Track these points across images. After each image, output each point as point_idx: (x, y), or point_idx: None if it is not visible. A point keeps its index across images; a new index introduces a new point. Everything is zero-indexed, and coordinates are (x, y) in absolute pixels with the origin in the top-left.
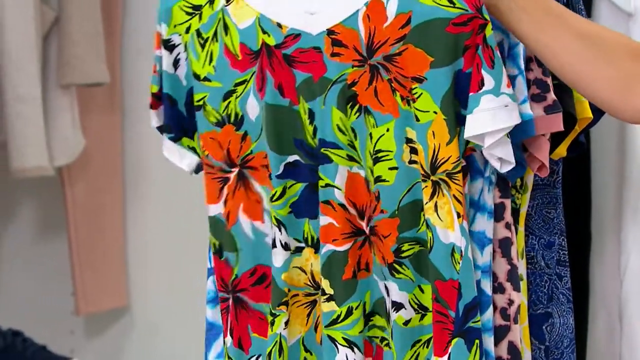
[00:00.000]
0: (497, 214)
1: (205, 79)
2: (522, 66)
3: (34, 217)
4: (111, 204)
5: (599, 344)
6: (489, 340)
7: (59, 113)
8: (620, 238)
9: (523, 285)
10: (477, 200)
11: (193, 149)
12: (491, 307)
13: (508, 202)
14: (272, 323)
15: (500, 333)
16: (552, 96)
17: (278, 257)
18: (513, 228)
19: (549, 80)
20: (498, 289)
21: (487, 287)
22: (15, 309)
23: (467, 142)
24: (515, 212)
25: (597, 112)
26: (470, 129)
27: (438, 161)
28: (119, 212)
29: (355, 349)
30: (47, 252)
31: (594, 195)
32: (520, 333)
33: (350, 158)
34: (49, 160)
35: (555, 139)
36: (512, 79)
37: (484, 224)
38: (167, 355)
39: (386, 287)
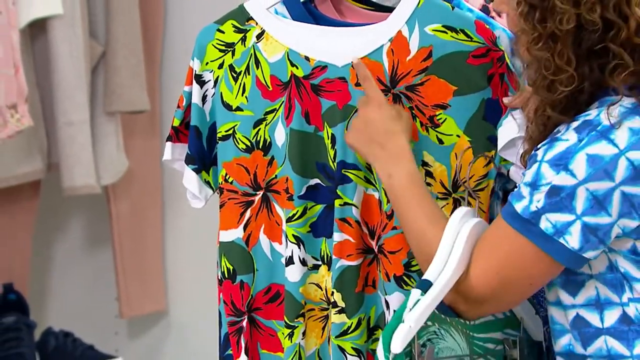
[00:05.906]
0: None
1: (238, 108)
2: None
3: (83, 230)
4: (151, 219)
5: None
6: None
7: (105, 137)
8: None
9: None
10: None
11: (208, 183)
12: None
13: None
14: (291, 334)
15: None
16: None
17: (295, 273)
18: None
19: None
20: None
21: None
22: (66, 313)
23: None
24: None
25: None
26: (501, 139)
27: (460, 180)
28: (159, 226)
29: (362, 358)
30: (94, 262)
31: None
32: None
33: (367, 180)
34: (96, 180)
35: None
36: None
37: None
38: (201, 354)
39: (386, 302)
